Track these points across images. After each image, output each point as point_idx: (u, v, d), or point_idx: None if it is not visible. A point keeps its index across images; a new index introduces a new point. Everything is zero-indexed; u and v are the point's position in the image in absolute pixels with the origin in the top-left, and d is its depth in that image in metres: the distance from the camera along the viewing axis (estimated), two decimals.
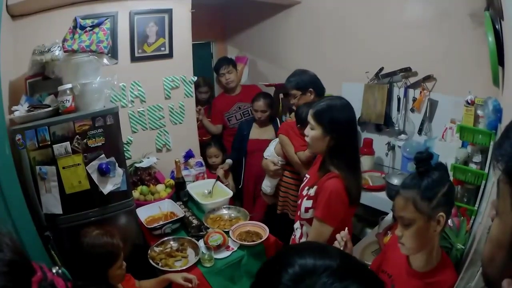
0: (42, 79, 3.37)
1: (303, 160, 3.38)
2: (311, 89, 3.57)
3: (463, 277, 1.78)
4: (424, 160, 1.83)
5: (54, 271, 1.10)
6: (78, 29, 3.06)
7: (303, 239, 2.72)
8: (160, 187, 4.05)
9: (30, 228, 2.44)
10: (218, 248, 3.16)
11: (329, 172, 2.49)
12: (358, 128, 4.20)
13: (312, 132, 2.51)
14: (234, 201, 4.27)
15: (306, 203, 2.61)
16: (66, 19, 3.29)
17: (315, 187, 2.55)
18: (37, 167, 2.85)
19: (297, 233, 2.82)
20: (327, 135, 2.45)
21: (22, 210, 2.36)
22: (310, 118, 2.52)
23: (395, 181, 3.42)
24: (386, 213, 3.24)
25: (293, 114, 3.89)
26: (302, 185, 2.81)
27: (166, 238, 3.34)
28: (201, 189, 4.15)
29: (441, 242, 2.00)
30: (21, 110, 2.98)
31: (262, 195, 4.08)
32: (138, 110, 4.15)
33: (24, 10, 3.35)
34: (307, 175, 2.83)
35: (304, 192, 2.68)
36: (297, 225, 2.83)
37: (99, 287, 1.31)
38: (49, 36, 3.29)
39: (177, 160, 4.03)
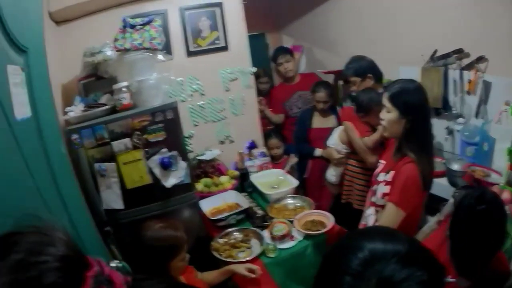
0: (96, 80, 3.47)
1: (369, 145, 3.34)
2: (370, 74, 3.55)
3: None
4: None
5: (112, 265, 1.11)
6: (127, 28, 3.14)
7: None
8: (224, 178, 4.07)
9: (89, 224, 2.50)
10: (282, 238, 3.12)
11: (405, 156, 2.48)
12: None
13: (388, 115, 2.51)
14: (298, 190, 4.23)
15: (383, 189, 2.61)
16: (112, 20, 3.40)
17: (391, 172, 2.55)
18: (96, 165, 2.95)
19: (370, 220, 2.79)
20: (403, 118, 2.44)
21: (80, 207, 2.41)
22: (385, 101, 2.52)
23: (455, 166, 3.29)
24: (447, 200, 3.13)
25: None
26: (377, 170, 2.79)
27: (230, 229, 3.34)
28: (265, 179, 4.13)
29: None
30: (75, 110, 3.08)
31: (326, 184, 4.04)
32: (198, 103, 4.20)
33: (67, 15, 3.49)
34: (381, 161, 2.82)
35: (380, 178, 2.67)
36: (369, 211, 2.80)
37: (159, 281, 1.32)
38: (97, 38, 3.40)
39: (240, 151, 4.03)
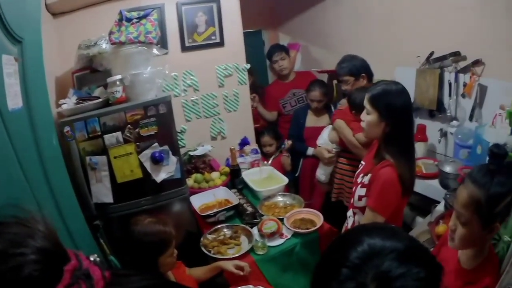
0: (90, 72, 3.45)
1: (363, 141, 3.30)
2: (363, 74, 3.57)
3: (508, 270, 1.69)
4: (499, 157, 1.72)
5: (92, 259, 1.09)
6: (124, 22, 3.13)
7: None
8: (215, 174, 4.07)
9: (79, 217, 2.50)
10: (272, 235, 3.13)
11: (384, 160, 2.43)
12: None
13: (368, 117, 2.47)
14: (289, 188, 4.24)
15: (360, 191, 2.58)
16: (109, 13, 3.40)
17: (369, 175, 2.51)
18: (87, 158, 2.93)
19: (350, 221, 2.79)
20: (383, 120, 2.39)
21: (70, 200, 2.42)
22: (366, 103, 2.48)
23: (448, 168, 3.30)
24: (439, 202, 3.14)
25: (343, 100, 3.85)
26: (357, 172, 2.77)
27: (219, 226, 3.34)
28: (257, 176, 4.14)
29: None
30: (69, 103, 3.07)
31: (317, 183, 4.04)
32: (192, 99, 4.20)
33: (64, 8, 3.49)
34: (362, 162, 2.79)
35: (359, 180, 2.65)
36: (349, 213, 2.79)
37: (142, 277, 1.30)
38: (93, 31, 3.40)
39: (232, 147, 4.02)
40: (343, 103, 3.84)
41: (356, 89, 3.47)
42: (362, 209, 2.57)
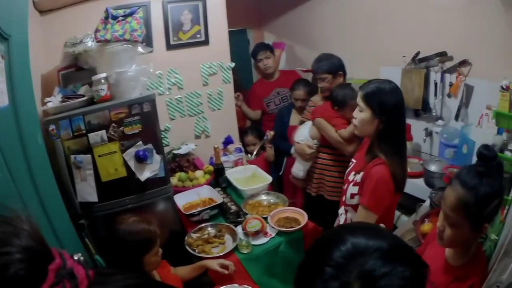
0: (76, 70, 3.42)
1: (346, 137, 3.34)
2: (340, 72, 3.63)
3: (495, 268, 1.71)
4: (488, 160, 1.72)
5: (75, 258, 1.08)
6: (110, 19, 3.11)
7: None
8: (199, 173, 4.05)
9: (64, 216, 2.48)
10: (256, 234, 3.14)
11: (376, 158, 2.46)
12: None
13: (361, 114, 2.49)
14: (273, 187, 4.24)
15: (352, 189, 2.61)
16: (96, 11, 3.35)
17: (361, 173, 2.53)
18: (72, 156, 2.91)
19: (342, 219, 2.81)
20: (376, 118, 2.42)
21: (56, 198, 2.40)
22: (359, 100, 2.49)
23: (433, 167, 3.35)
24: (424, 201, 3.16)
25: (316, 97, 3.92)
26: (348, 170, 2.79)
27: (204, 225, 3.34)
28: (241, 175, 4.14)
29: None
30: (54, 101, 3.04)
31: (292, 179, 4.04)
32: (176, 97, 4.17)
33: (51, 5, 3.45)
34: (353, 160, 2.81)
35: (351, 178, 2.67)
36: (341, 210, 2.82)
37: (127, 275, 1.29)
38: (80, 28, 3.36)
39: (216, 146, 4.02)
40: (315, 100, 3.92)
41: (337, 86, 3.53)
42: (355, 207, 2.60)
